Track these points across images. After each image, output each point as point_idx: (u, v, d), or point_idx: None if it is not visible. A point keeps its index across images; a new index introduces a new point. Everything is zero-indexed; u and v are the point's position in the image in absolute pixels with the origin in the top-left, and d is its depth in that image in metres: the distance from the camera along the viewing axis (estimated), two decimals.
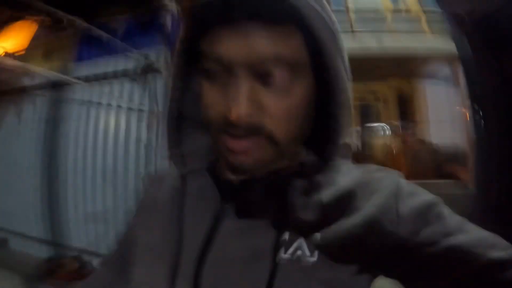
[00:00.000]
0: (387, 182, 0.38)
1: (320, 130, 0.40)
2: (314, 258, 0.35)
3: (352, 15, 4.99)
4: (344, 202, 0.36)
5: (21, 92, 3.77)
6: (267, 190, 0.38)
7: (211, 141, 0.41)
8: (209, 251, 0.37)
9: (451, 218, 0.35)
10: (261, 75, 0.34)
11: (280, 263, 0.34)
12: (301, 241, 0.36)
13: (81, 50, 3.47)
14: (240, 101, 0.33)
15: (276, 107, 0.34)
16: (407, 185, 0.38)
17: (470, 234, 0.33)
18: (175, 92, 0.42)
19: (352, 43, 4.62)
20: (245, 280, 0.35)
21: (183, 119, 0.44)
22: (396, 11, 5.07)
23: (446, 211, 0.36)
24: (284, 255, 0.35)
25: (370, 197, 0.36)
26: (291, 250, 0.35)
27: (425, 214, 0.34)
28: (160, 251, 0.41)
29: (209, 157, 0.45)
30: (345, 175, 0.39)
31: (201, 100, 0.37)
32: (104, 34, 2.93)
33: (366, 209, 0.35)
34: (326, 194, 0.36)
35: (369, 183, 0.38)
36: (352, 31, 4.90)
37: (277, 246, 0.35)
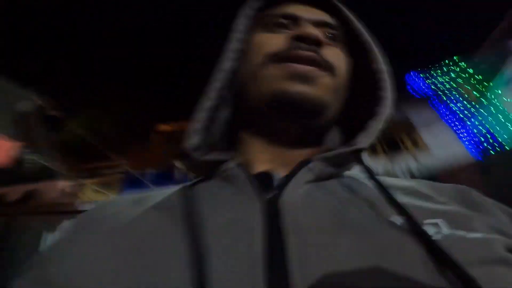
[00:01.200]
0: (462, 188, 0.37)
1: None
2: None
3: None
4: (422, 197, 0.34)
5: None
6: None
7: (263, 87, 0.38)
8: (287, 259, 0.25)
9: None
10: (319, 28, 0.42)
11: (439, 240, 0.26)
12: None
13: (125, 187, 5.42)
14: (310, 27, 0.40)
15: (329, 48, 0.41)
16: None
17: None
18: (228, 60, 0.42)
19: None
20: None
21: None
22: None
23: None
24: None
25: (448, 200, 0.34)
26: (433, 230, 0.28)
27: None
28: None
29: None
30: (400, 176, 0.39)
31: (256, 48, 0.41)
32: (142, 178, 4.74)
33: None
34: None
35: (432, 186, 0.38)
36: None
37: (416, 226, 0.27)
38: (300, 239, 0.26)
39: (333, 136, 0.47)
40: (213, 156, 0.39)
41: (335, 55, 0.41)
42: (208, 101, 0.40)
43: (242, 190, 0.33)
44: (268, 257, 0.25)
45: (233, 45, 0.43)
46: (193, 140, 0.39)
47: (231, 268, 0.25)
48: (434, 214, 0.30)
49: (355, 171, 0.40)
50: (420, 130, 6.87)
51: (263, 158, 0.40)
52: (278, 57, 0.38)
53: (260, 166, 0.38)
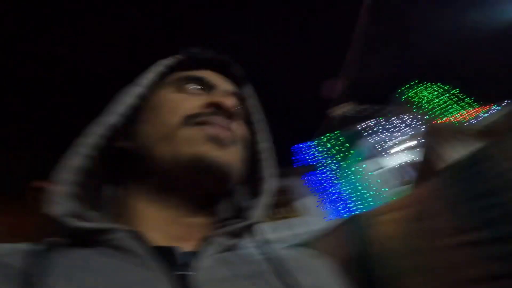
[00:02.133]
0: None
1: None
2: None
3: None
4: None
5: None
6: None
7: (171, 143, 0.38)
8: None
9: None
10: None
11: None
12: None
13: None
14: (227, 98, 0.42)
15: (238, 121, 0.43)
16: None
17: None
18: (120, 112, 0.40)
19: None
20: None
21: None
22: None
23: None
24: None
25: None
26: None
27: None
28: None
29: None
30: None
31: (169, 108, 0.41)
32: None
33: None
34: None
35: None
36: None
37: None
38: None
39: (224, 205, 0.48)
40: (94, 225, 0.33)
41: (242, 129, 0.44)
42: (76, 158, 0.36)
43: (142, 264, 0.30)
44: None
45: (130, 99, 0.42)
46: (60, 206, 0.33)
47: None
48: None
49: (248, 242, 0.42)
50: (297, 198, 7.68)
51: (156, 226, 0.38)
52: (196, 120, 0.39)
53: (153, 235, 0.35)
